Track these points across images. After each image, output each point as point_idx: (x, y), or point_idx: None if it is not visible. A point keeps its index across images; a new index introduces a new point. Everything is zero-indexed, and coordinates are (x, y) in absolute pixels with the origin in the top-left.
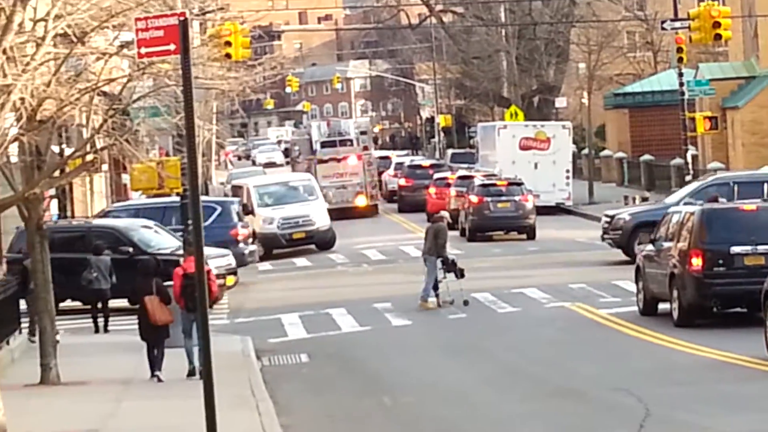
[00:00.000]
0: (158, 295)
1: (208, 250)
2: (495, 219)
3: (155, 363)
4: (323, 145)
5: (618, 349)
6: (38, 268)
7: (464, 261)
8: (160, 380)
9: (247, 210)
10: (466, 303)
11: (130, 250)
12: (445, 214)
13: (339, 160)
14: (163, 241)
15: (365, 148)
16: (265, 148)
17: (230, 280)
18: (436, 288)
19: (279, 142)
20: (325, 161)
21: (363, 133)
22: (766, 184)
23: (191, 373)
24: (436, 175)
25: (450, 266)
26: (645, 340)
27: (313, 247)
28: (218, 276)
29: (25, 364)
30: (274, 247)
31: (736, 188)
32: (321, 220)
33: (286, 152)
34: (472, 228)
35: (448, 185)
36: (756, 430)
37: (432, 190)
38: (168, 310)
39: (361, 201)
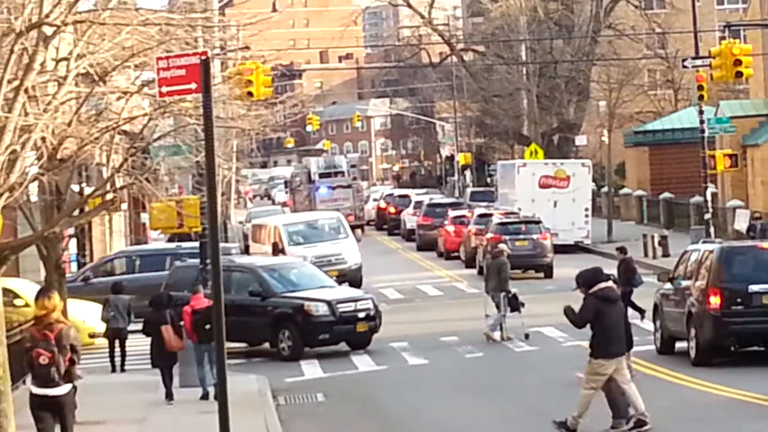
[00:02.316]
0: (172, 325)
1: None
2: (513, 257)
3: (168, 387)
4: (320, 176)
5: (635, 388)
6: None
7: (479, 300)
8: (172, 398)
9: (278, 249)
10: (527, 336)
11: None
12: (504, 247)
13: (333, 188)
14: (307, 282)
15: (354, 179)
16: (284, 186)
17: None
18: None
19: (271, 179)
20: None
21: (353, 166)
22: (168, 257)
23: (204, 397)
24: (453, 213)
25: (510, 300)
26: (662, 378)
27: None
28: None
29: None
30: None
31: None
32: (353, 258)
33: (287, 184)
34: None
35: (465, 223)
36: None
37: (450, 227)
38: (180, 339)
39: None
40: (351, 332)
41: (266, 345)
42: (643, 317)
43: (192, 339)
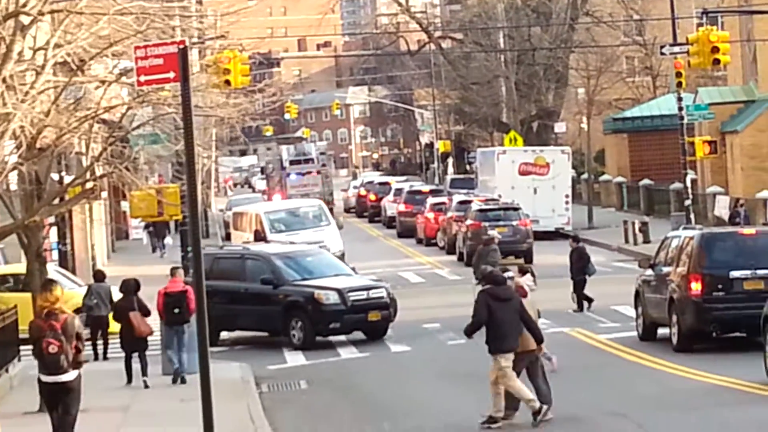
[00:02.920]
0: (140, 310)
1: None
2: None
3: (143, 369)
4: (291, 163)
5: (617, 375)
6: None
7: (462, 285)
8: (147, 385)
9: (259, 236)
10: None
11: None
12: (494, 234)
13: (303, 174)
14: (320, 270)
15: (324, 165)
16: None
17: None
18: None
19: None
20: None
21: (322, 153)
22: None
23: (175, 380)
24: (432, 200)
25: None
26: (644, 365)
27: None
28: None
29: (24, 391)
30: None
31: None
32: (335, 246)
33: (263, 170)
34: (469, 252)
35: (444, 210)
36: None
37: (430, 214)
38: (147, 323)
39: None
40: (363, 321)
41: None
42: (589, 307)
43: (162, 318)
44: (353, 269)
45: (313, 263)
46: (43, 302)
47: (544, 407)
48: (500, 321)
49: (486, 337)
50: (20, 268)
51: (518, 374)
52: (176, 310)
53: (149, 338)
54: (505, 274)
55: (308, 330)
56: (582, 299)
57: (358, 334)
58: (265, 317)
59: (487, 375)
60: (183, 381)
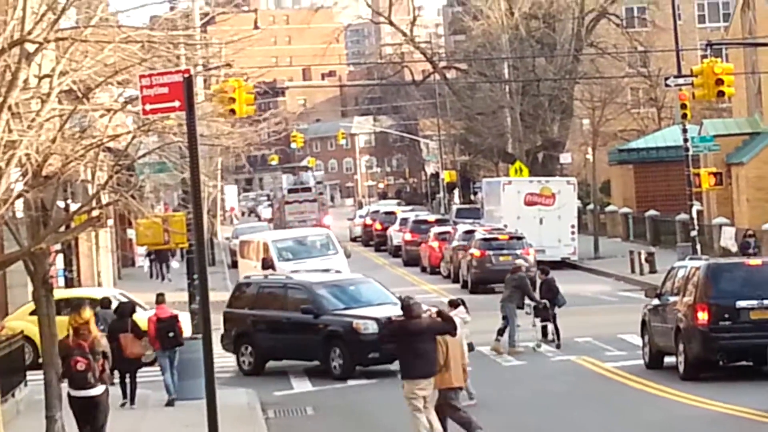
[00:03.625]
0: (132, 332)
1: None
2: (497, 272)
3: (132, 393)
4: (289, 191)
5: (624, 403)
6: (44, 321)
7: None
8: (123, 405)
9: (267, 265)
10: (558, 347)
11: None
12: (521, 263)
13: (300, 202)
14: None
15: (320, 194)
16: (268, 203)
17: None
18: (501, 333)
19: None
20: (290, 202)
21: (319, 182)
22: None
23: (170, 404)
24: (437, 229)
25: (540, 311)
26: (651, 393)
27: None
28: None
29: (30, 416)
30: None
31: None
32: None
33: (268, 197)
34: (474, 281)
35: (449, 239)
36: None
37: (434, 243)
38: (140, 345)
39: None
40: None
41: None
42: (556, 341)
43: (155, 346)
44: (399, 298)
45: (356, 292)
46: (75, 323)
47: None
48: (407, 351)
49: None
50: (90, 292)
51: (448, 408)
52: (170, 334)
53: (143, 359)
54: (457, 311)
55: (347, 360)
56: (546, 330)
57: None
58: (307, 347)
59: (499, 401)
60: (171, 404)
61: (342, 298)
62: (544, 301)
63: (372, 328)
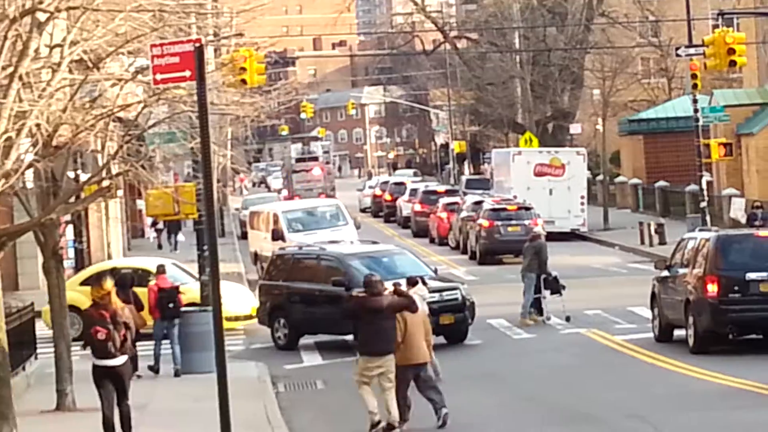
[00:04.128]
0: (134, 304)
1: None
2: (505, 242)
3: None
4: (297, 160)
5: (634, 376)
6: (54, 293)
7: (478, 286)
8: (138, 376)
9: (277, 236)
10: (567, 319)
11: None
12: (540, 230)
13: (307, 171)
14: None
15: (327, 162)
16: (280, 173)
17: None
18: (540, 304)
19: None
20: (298, 171)
21: (326, 152)
22: None
23: (152, 369)
24: (445, 200)
25: (551, 283)
26: (660, 366)
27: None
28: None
29: (41, 390)
30: None
31: None
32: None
33: (283, 166)
34: (483, 251)
35: (457, 210)
36: None
37: (443, 214)
38: (141, 316)
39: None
40: (435, 324)
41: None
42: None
43: (154, 316)
44: (435, 270)
45: (390, 263)
46: (96, 294)
47: (442, 412)
48: (366, 327)
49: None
50: (142, 262)
51: (407, 386)
52: (171, 305)
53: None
54: (416, 289)
55: None
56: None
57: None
58: (338, 320)
59: (508, 373)
60: (177, 374)
61: (374, 269)
62: (555, 273)
63: None
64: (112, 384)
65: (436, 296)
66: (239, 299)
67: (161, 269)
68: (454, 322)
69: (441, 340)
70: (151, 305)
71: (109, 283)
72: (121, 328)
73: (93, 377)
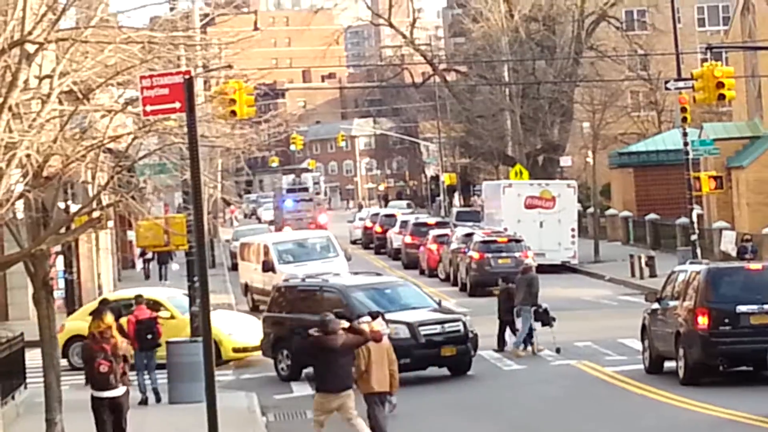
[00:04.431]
0: (118, 331)
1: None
2: (496, 274)
3: None
4: (288, 190)
5: (624, 408)
6: (44, 323)
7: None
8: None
9: (267, 267)
10: (558, 351)
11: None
12: (531, 263)
13: (298, 201)
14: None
15: (317, 193)
16: (270, 205)
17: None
18: (531, 336)
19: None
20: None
21: (316, 183)
22: None
23: (143, 402)
24: (435, 232)
25: (542, 315)
26: (651, 398)
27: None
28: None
29: (30, 419)
30: None
31: None
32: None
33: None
34: (473, 283)
35: (447, 242)
36: None
37: (433, 246)
38: (127, 345)
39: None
40: (436, 356)
41: None
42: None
43: (134, 346)
44: (438, 302)
45: (392, 295)
46: (97, 327)
47: None
48: (322, 366)
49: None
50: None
51: (377, 411)
52: (149, 336)
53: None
54: (362, 319)
55: None
56: (503, 340)
57: (442, 371)
58: None
59: (502, 405)
60: (158, 398)
61: (376, 301)
62: (545, 305)
63: (403, 332)
64: (112, 414)
65: (438, 328)
66: (248, 330)
67: (139, 300)
68: (456, 353)
69: (443, 372)
70: (130, 337)
71: (110, 317)
72: (120, 360)
73: (92, 408)
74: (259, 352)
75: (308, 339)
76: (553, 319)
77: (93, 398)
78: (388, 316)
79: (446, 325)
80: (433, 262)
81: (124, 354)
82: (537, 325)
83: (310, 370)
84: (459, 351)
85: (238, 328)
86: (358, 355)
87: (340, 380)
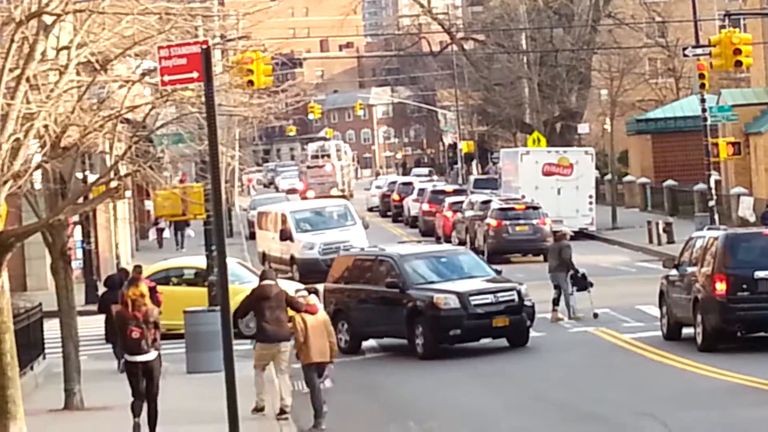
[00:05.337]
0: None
1: None
2: (513, 242)
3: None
4: (312, 156)
5: (642, 374)
6: (63, 294)
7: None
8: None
9: (285, 236)
10: (595, 316)
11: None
12: (566, 230)
13: (320, 167)
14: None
15: (339, 159)
16: (288, 174)
17: None
18: (556, 303)
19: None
20: (312, 167)
21: (338, 150)
22: None
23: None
24: (451, 199)
25: (578, 280)
26: (669, 364)
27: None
28: None
29: (49, 389)
30: (314, 272)
31: None
32: (361, 245)
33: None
34: (491, 251)
35: (463, 209)
36: None
37: (448, 213)
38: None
39: (334, 192)
40: (488, 327)
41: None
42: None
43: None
44: (498, 271)
45: (448, 264)
46: (132, 295)
47: (287, 409)
48: (261, 315)
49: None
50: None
51: (314, 384)
52: None
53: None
54: (299, 293)
55: (428, 337)
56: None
57: (501, 341)
58: (393, 324)
59: (516, 373)
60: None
61: (430, 270)
62: (583, 270)
63: (453, 302)
64: (145, 377)
65: (490, 297)
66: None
67: (138, 270)
68: (509, 324)
69: (500, 342)
70: (159, 303)
71: (143, 286)
72: (151, 327)
73: (126, 371)
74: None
75: (252, 290)
76: (591, 284)
77: (126, 362)
78: (441, 285)
79: (499, 294)
80: (449, 229)
81: (155, 321)
82: (573, 290)
83: (371, 342)
84: (513, 321)
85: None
86: (295, 328)
87: (274, 331)
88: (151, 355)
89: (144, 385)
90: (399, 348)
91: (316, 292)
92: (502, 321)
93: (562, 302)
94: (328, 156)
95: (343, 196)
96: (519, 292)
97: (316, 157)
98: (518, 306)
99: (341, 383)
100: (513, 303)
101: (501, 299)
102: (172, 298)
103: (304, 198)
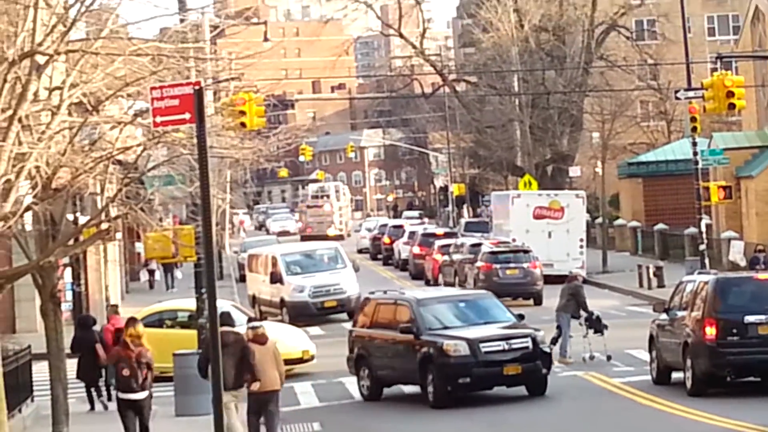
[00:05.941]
0: (100, 342)
1: None
2: (504, 285)
3: (99, 395)
4: (312, 197)
5: (632, 419)
6: (52, 336)
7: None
8: (106, 407)
9: (275, 279)
10: (609, 358)
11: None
12: (578, 272)
13: (320, 207)
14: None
15: (338, 199)
16: (279, 216)
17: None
18: (554, 342)
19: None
20: (311, 207)
21: (337, 191)
22: None
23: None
24: (440, 242)
25: (593, 322)
26: (658, 409)
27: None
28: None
29: (37, 431)
30: (304, 315)
31: None
32: (351, 289)
33: (293, 207)
34: None
35: (448, 253)
36: None
37: (438, 256)
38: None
39: (332, 231)
40: (498, 375)
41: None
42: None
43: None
44: (519, 316)
45: (466, 309)
46: (129, 335)
47: None
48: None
49: None
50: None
51: (256, 413)
52: None
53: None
54: (250, 324)
55: (438, 385)
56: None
57: (519, 389)
58: (407, 370)
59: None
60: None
61: (448, 315)
62: (597, 312)
63: (463, 349)
64: (135, 415)
65: (502, 345)
66: (295, 341)
67: (114, 309)
68: (522, 372)
69: (521, 390)
70: (109, 345)
71: (140, 327)
72: (143, 367)
73: (117, 408)
74: (302, 365)
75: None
76: (605, 327)
77: (118, 399)
78: (453, 332)
79: (512, 341)
80: (437, 272)
81: (147, 362)
82: (589, 332)
83: (392, 389)
84: (525, 369)
85: (286, 339)
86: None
87: (232, 379)
88: (141, 395)
89: (137, 423)
90: (388, 391)
91: (260, 327)
92: (514, 369)
93: (584, 341)
94: (328, 196)
95: (341, 236)
96: (534, 339)
97: (316, 197)
98: (533, 353)
99: (329, 426)
100: (527, 350)
101: (514, 346)
102: (165, 340)
103: (305, 236)
